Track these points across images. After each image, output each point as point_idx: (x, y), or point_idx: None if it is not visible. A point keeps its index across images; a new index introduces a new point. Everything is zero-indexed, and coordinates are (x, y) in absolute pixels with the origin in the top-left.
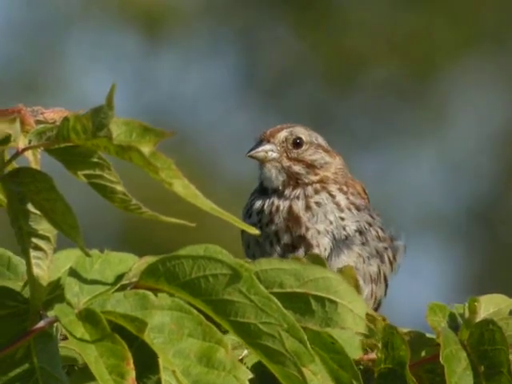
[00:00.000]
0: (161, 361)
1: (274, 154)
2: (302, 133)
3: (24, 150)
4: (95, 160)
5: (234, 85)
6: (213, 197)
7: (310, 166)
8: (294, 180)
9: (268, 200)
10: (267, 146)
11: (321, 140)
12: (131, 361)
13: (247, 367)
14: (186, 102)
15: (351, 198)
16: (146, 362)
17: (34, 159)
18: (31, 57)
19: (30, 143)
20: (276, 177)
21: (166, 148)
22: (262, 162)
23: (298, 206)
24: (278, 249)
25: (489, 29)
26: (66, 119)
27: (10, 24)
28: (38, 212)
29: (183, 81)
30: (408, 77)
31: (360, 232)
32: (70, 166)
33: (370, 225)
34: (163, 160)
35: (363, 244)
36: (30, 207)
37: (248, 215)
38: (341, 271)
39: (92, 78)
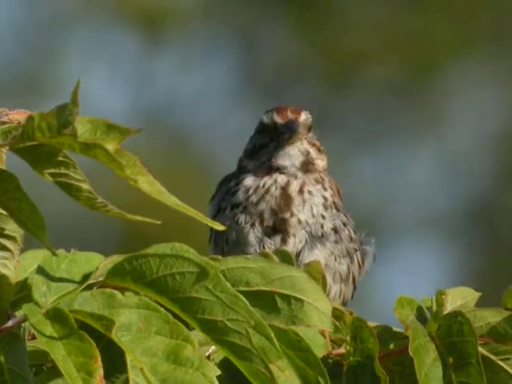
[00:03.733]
0: (128, 359)
1: (300, 135)
2: (311, 118)
3: None
4: (60, 158)
5: (234, 84)
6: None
7: (319, 151)
8: (308, 164)
9: (263, 178)
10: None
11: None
12: (99, 359)
13: (215, 364)
14: (186, 101)
15: (334, 196)
16: (114, 361)
17: None
18: (31, 57)
19: None
20: (297, 158)
21: (167, 148)
22: (291, 143)
23: (293, 187)
24: (258, 231)
25: (488, 28)
26: (30, 118)
27: (10, 24)
28: (3, 212)
29: (183, 80)
30: (407, 76)
31: (335, 230)
32: (36, 165)
33: (344, 224)
34: (128, 157)
35: (336, 242)
36: None
37: (230, 193)
38: (308, 265)
39: (92, 77)
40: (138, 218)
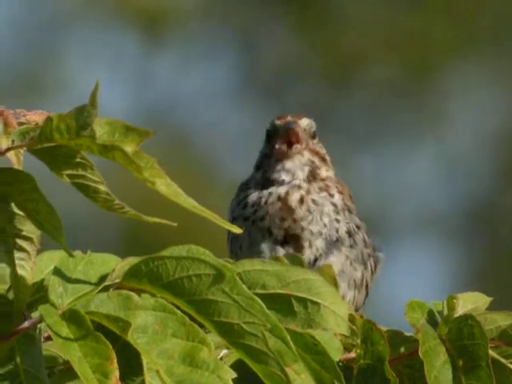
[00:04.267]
0: (144, 361)
1: (299, 147)
2: (315, 125)
3: (7, 150)
4: (78, 160)
5: (234, 84)
6: (212, 196)
7: (323, 161)
8: (312, 175)
9: (267, 190)
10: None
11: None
12: (115, 360)
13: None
14: (186, 101)
15: (345, 199)
16: (130, 363)
17: (16, 160)
18: (31, 57)
19: (12, 144)
20: (301, 171)
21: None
22: (289, 156)
23: (293, 197)
24: (269, 243)
25: (488, 28)
26: (49, 119)
27: (10, 24)
28: (20, 213)
29: (183, 80)
30: (407, 76)
31: (349, 234)
32: (53, 166)
33: (358, 228)
34: (146, 159)
35: (351, 247)
36: (14, 208)
37: (242, 206)
38: (319, 269)
39: (92, 77)
40: (156, 219)
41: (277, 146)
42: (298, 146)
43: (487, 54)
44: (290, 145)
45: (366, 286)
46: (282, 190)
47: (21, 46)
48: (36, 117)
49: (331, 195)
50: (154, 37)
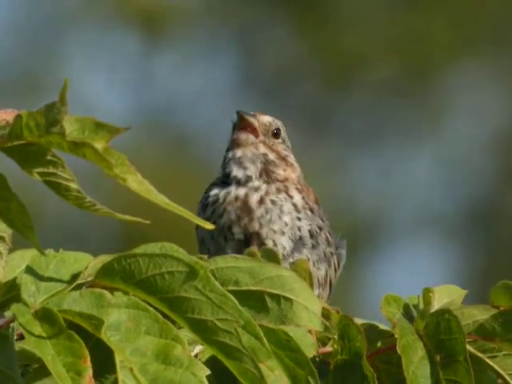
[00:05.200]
0: (118, 359)
1: (253, 138)
2: (281, 126)
3: None
4: (49, 158)
5: (234, 84)
6: None
7: (282, 160)
8: (266, 171)
9: (225, 189)
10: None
11: (289, 143)
12: (88, 358)
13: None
14: (186, 101)
15: (306, 199)
16: (103, 361)
17: None
18: (31, 57)
19: None
20: (252, 164)
21: (167, 148)
22: (240, 145)
23: (253, 199)
24: (232, 244)
25: (488, 29)
26: (19, 116)
27: (10, 24)
28: None
29: (183, 81)
30: (407, 77)
31: (311, 235)
32: (24, 164)
33: (320, 228)
34: (117, 156)
35: (313, 247)
36: None
37: (203, 209)
38: (294, 264)
39: (92, 77)
40: (128, 217)
41: (233, 136)
42: (252, 137)
43: (487, 54)
44: (244, 134)
45: (330, 283)
46: (240, 191)
47: (21, 46)
48: (6, 115)
49: (290, 196)
50: (154, 37)
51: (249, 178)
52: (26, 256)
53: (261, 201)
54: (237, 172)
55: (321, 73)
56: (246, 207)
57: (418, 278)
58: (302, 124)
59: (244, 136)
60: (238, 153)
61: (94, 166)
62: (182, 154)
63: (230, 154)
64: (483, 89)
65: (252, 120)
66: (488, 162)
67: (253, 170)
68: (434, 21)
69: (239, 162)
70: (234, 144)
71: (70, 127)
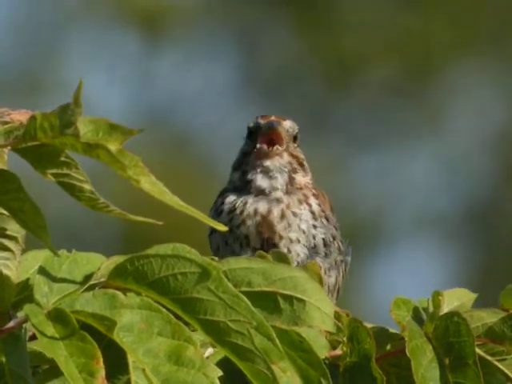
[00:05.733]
0: (130, 360)
1: (280, 148)
2: (298, 129)
3: None
4: (62, 159)
5: (234, 84)
6: (212, 196)
7: (301, 166)
8: (290, 181)
9: (243, 198)
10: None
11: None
12: (101, 359)
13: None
14: (186, 101)
15: (323, 207)
16: (116, 362)
17: (1, 159)
18: (31, 57)
19: None
20: (279, 174)
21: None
22: (268, 155)
23: (274, 215)
24: (249, 253)
25: (488, 29)
26: (33, 117)
27: (10, 24)
28: (5, 212)
29: (183, 80)
30: (407, 77)
31: (325, 244)
32: (38, 165)
33: (334, 238)
34: (130, 157)
35: (326, 255)
36: None
37: (217, 214)
38: (305, 267)
39: (92, 77)
40: (140, 218)
41: (258, 146)
42: (279, 147)
43: (487, 54)
44: (271, 144)
45: (338, 289)
46: (260, 204)
47: (21, 46)
48: (20, 116)
49: (309, 204)
50: (154, 36)
51: (274, 189)
52: (39, 257)
53: (282, 215)
54: (261, 182)
55: (321, 73)
56: (266, 223)
57: (418, 278)
58: (302, 124)
59: (271, 147)
60: (267, 163)
61: (99, 167)
62: (182, 154)
63: (258, 165)
64: (483, 89)
65: (280, 129)
66: (488, 162)
67: (280, 182)
68: (434, 21)
69: (266, 172)
70: (259, 154)
71: (84, 128)
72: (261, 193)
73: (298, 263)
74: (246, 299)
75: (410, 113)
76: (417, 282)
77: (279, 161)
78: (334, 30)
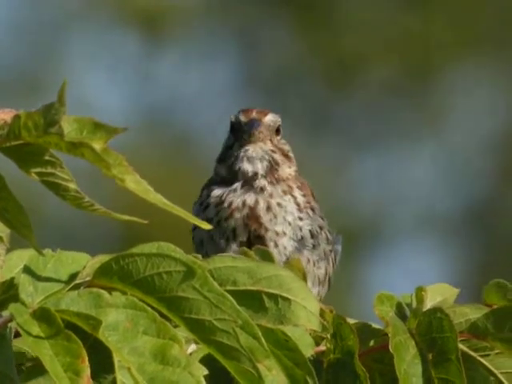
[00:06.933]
0: (116, 359)
1: (262, 135)
2: (280, 121)
3: None
4: (47, 158)
5: (234, 84)
6: None
7: (286, 157)
8: (272, 171)
9: (229, 190)
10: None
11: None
12: (86, 358)
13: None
14: (186, 101)
15: (307, 198)
16: (101, 361)
17: None
18: (31, 57)
19: None
20: (261, 160)
21: (167, 148)
22: (252, 141)
23: (261, 206)
24: (234, 246)
25: (488, 29)
26: (17, 116)
27: (10, 24)
28: None
29: (183, 80)
30: (407, 77)
31: (312, 235)
32: (22, 164)
33: (321, 228)
34: (115, 156)
35: (314, 247)
36: None
37: (203, 210)
38: (288, 263)
39: (92, 77)
40: (125, 217)
41: (242, 151)
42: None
43: (487, 54)
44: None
45: (329, 279)
46: (247, 196)
47: (21, 46)
48: (4, 115)
49: (294, 196)
50: (154, 37)
51: (257, 175)
52: (24, 256)
53: (268, 207)
54: (246, 166)
55: (321, 73)
56: (253, 214)
57: (418, 278)
58: (302, 124)
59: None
60: (250, 149)
61: (95, 166)
62: (182, 154)
63: (242, 151)
64: (483, 89)
65: (262, 129)
66: (488, 162)
67: (259, 170)
68: (434, 21)
69: (250, 157)
70: (244, 141)
71: (69, 127)
72: (246, 179)
73: (286, 256)
74: (231, 298)
75: (410, 113)
76: (416, 281)
77: (262, 146)
78: (333, 30)
